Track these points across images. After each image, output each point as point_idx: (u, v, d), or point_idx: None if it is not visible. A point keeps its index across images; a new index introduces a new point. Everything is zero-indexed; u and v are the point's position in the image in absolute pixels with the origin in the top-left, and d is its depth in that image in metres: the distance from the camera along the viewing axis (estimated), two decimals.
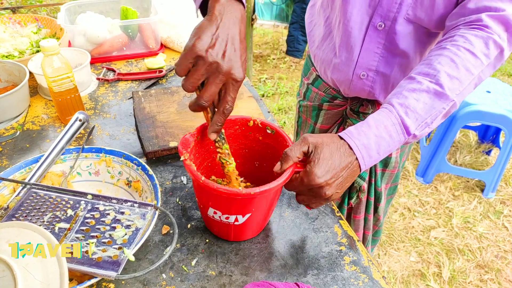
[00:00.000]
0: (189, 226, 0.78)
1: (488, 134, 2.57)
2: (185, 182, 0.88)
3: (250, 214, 0.66)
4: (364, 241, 1.27)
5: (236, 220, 0.67)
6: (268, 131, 0.74)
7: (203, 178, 0.60)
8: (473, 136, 2.68)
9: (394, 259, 1.96)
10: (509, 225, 2.09)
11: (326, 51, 0.97)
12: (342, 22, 0.87)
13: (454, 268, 1.89)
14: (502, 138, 2.50)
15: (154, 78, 1.26)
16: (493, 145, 2.54)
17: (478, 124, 2.58)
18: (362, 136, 0.62)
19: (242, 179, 0.78)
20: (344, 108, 1.01)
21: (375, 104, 0.98)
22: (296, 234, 0.78)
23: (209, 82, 0.58)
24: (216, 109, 0.62)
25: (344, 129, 0.92)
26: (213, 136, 0.64)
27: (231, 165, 0.70)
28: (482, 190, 2.27)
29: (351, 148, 0.62)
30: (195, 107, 0.60)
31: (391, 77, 0.89)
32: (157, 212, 0.68)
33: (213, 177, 0.79)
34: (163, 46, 1.48)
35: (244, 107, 1.10)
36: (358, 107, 0.99)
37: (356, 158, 0.62)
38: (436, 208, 2.21)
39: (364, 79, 0.91)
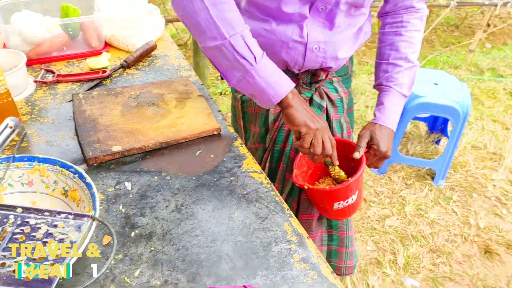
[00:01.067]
0: (132, 234, 0.75)
1: (437, 125, 2.69)
2: (129, 188, 0.85)
3: (358, 191, 1.00)
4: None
5: (352, 199, 0.99)
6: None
7: (328, 188, 1.01)
8: (423, 126, 2.80)
9: None
10: (458, 210, 2.21)
11: (272, 37, 0.99)
12: (278, 14, 0.95)
13: (408, 254, 1.97)
14: (450, 127, 2.64)
15: (98, 79, 1.20)
16: (442, 135, 2.67)
17: (427, 115, 2.70)
18: (388, 117, 1.03)
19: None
20: (296, 84, 1.02)
21: (323, 71, 1.06)
22: (246, 235, 0.77)
23: (324, 139, 0.90)
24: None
25: None
26: (337, 162, 0.99)
27: (341, 173, 1.04)
28: (433, 178, 2.38)
29: (388, 127, 1.02)
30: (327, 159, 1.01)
31: (336, 43, 1.00)
32: (94, 223, 0.64)
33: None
34: (107, 45, 1.41)
35: (193, 106, 1.07)
36: (310, 79, 1.07)
37: (392, 130, 1.03)
38: (390, 197, 2.29)
39: (316, 52, 0.99)
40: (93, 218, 0.64)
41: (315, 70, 1.06)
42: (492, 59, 3.70)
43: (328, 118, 1.13)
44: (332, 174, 1.04)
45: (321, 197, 1.02)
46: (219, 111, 1.10)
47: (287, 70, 1.06)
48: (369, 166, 1.06)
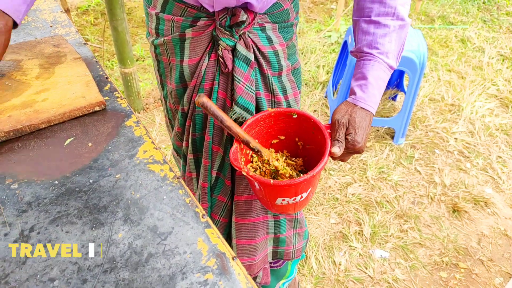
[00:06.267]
0: None
1: (392, 79, 2.50)
2: None
3: (311, 187, 0.77)
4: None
5: (302, 197, 0.77)
6: (294, 116, 0.81)
7: (272, 181, 0.69)
8: None
9: (314, 224, 1.80)
10: (421, 169, 2.05)
11: None
12: None
13: (374, 224, 1.79)
14: (406, 81, 2.45)
15: None
16: (398, 90, 2.48)
17: None
18: (371, 98, 0.78)
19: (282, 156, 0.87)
20: (213, 28, 0.80)
21: (246, 10, 0.77)
22: (135, 268, 0.48)
23: None
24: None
25: (216, 55, 0.83)
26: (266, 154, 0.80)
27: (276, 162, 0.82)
28: (393, 137, 2.21)
29: (369, 111, 0.78)
30: None
31: None
32: None
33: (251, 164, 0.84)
34: None
35: (65, 74, 0.73)
36: (229, 20, 0.79)
37: (373, 115, 0.79)
38: (350, 162, 2.09)
39: None
40: None
41: (234, 9, 0.77)
42: (441, 6, 3.55)
43: (263, 73, 0.85)
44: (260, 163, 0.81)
45: (263, 188, 0.77)
46: (107, 77, 0.77)
47: (201, 7, 0.77)
48: (333, 159, 0.79)
